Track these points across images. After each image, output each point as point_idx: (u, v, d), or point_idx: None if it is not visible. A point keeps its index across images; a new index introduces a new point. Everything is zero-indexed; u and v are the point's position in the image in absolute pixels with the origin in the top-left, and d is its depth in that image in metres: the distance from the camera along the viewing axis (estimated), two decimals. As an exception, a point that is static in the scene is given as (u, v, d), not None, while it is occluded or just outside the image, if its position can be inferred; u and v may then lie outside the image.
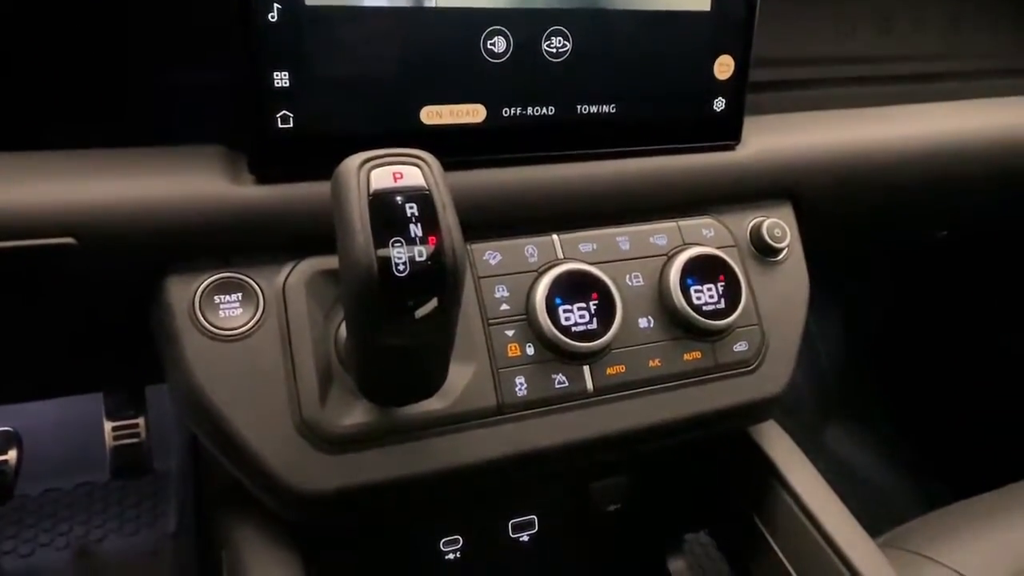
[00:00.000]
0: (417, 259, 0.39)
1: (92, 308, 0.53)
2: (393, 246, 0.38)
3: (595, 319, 0.54)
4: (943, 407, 1.38)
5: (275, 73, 0.47)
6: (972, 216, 0.92)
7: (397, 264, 0.38)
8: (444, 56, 0.51)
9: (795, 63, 0.78)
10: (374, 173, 0.39)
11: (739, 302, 0.58)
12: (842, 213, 0.72)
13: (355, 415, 0.49)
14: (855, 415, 1.45)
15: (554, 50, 0.53)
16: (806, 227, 0.66)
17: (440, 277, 0.40)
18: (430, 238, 0.39)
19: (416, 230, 0.39)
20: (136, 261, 0.48)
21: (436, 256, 0.39)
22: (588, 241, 0.58)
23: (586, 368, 0.55)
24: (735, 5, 0.57)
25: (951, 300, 1.37)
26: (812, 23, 0.79)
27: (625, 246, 0.59)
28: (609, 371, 0.56)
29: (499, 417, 0.53)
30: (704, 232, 0.61)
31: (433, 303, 0.41)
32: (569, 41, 0.53)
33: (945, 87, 0.85)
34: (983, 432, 1.30)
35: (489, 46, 0.52)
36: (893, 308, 1.46)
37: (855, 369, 1.49)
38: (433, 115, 0.52)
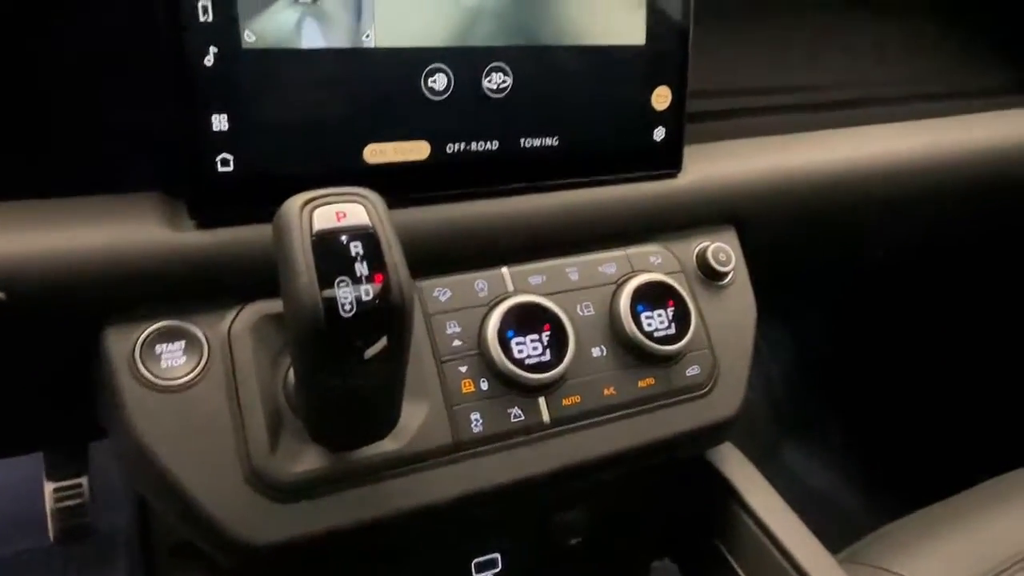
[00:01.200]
0: (364, 298, 0.38)
1: (28, 364, 0.51)
2: (339, 286, 0.38)
3: (548, 350, 0.54)
4: (895, 421, 1.41)
5: (213, 117, 0.46)
6: (909, 235, 0.96)
7: (343, 304, 0.38)
8: (385, 95, 0.51)
9: (733, 93, 0.81)
10: (317, 213, 0.39)
11: (689, 327, 0.59)
12: (784, 235, 0.74)
13: (306, 461, 0.48)
14: (811, 434, 1.48)
15: (495, 86, 0.54)
16: (751, 250, 0.67)
17: (388, 316, 0.39)
18: (376, 276, 0.39)
19: (362, 269, 0.39)
20: (72, 315, 0.46)
21: (383, 295, 0.39)
22: (538, 273, 0.58)
23: (542, 400, 0.55)
24: (669, 38, 0.59)
25: (897, 316, 1.42)
26: (748, 55, 0.81)
27: (575, 276, 0.59)
28: (565, 402, 0.55)
29: (456, 455, 0.52)
30: (651, 259, 0.62)
31: (382, 342, 0.40)
32: (509, 77, 0.54)
33: (873, 112, 0.88)
34: (933, 443, 1.33)
35: (430, 84, 0.52)
36: (842, 326, 1.50)
37: (809, 388, 1.52)
38: (377, 153, 0.52)
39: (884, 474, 1.39)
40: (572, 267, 0.59)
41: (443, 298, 0.54)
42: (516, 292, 0.56)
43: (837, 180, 0.72)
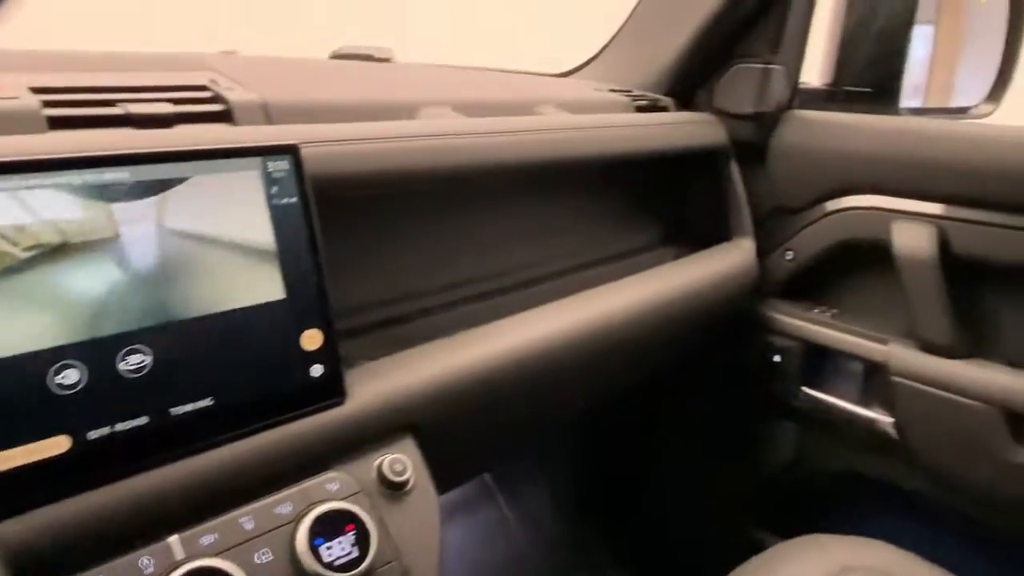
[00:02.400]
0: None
1: None
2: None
3: (224, 613, 0.55)
4: (669, 537, 1.53)
5: None
6: (594, 387, 1.09)
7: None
8: (6, 403, 0.51)
9: (401, 300, 0.89)
10: None
11: (370, 546, 0.62)
12: (468, 425, 0.81)
13: None
14: (591, 566, 1.55)
15: (133, 367, 0.56)
16: (433, 451, 0.73)
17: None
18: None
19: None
20: None
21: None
22: (209, 532, 0.59)
23: (222, 670, 0.55)
24: (307, 286, 0.65)
25: (631, 436, 1.56)
26: (407, 262, 0.91)
27: (250, 526, 0.60)
28: (248, 661, 0.56)
29: None
30: (329, 487, 0.65)
31: None
32: (148, 356, 0.57)
33: (540, 290, 1.02)
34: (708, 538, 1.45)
35: (59, 380, 0.53)
36: (588, 458, 1.62)
37: (580, 527, 1.60)
38: (5, 460, 0.51)
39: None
40: (246, 516, 0.61)
41: None
42: (188, 559, 0.57)
43: (503, 370, 0.81)
